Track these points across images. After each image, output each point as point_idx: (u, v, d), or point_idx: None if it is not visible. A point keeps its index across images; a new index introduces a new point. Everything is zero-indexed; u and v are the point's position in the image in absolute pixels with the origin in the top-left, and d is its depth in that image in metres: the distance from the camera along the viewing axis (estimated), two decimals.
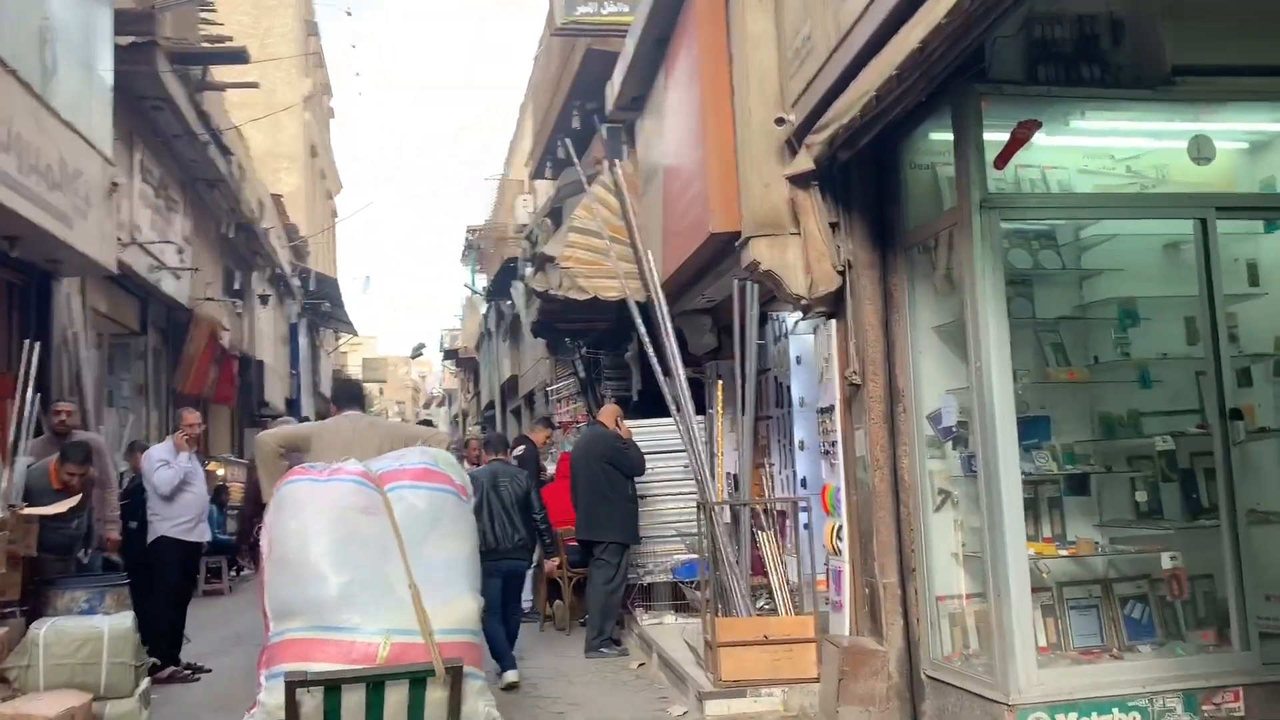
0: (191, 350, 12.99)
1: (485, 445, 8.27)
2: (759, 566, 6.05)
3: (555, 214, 14.35)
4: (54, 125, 7.32)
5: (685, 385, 5.80)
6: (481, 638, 3.64)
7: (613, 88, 8.31)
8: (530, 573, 7.95)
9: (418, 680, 3.07)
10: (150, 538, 7.23)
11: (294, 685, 3.01)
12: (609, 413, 7.78)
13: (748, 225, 5.53)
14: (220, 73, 16.19)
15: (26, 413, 5.65)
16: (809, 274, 5.46)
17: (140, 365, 11.84)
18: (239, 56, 14.38)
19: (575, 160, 7.52)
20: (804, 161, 5.31)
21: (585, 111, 11.20)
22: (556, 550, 7.36)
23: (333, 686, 3.02)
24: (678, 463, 8.42)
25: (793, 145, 5.47)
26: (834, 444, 5.63)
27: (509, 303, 20.22)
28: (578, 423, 13.19)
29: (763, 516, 6.05)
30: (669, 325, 5.73)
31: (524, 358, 21.32)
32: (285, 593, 3.29)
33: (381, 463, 3.67)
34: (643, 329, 6.08)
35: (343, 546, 3.29)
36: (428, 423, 12.97)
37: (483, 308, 26.32)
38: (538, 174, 13.91)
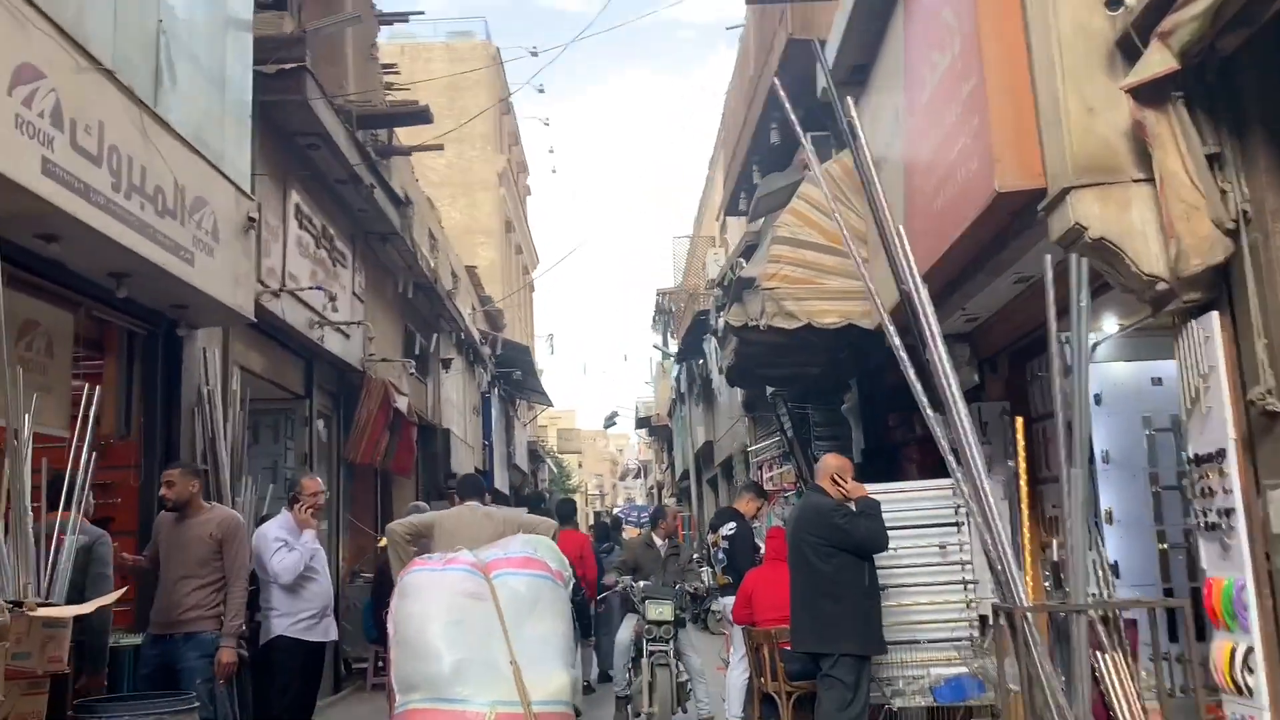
0: (363, 415, 11.97)
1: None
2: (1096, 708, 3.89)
3: (749, 252, 12.62)
4: (167, 143, 6.24)
5: (968, 423, 3.80)
6: (573, 708, 3.86)
7: (826, 59, 6.52)
8: (741, 681, 6.79)
9: None
10: (264, 637, 5.83)
11: None
12: (830, 468, 5.71)
13: (1062, 173, 3.59)
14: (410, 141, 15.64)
15: (78, 474, 4.32)
16: (1172, 239, 3.40)
17: (305, 432, 10.85)
18: (422, 116, 13.57)
19: (790, 116, 5.67)
20: (1158, 60, 3.33)
21: (786, 123, 9.45)
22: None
23: None
24: (930, 539, 6.34)
25: (1133, 42, 3.48)
26: (1225, 513, 3.49)
27: (700, 362, 18.57)
28: (784, 490, 11.22)
29: (1103, 628, 3.90)
30: (937, 334, 3.79)
31: (719, 421, 19.52)
32: (407, 668, 3.83)
33: (489, 552, 4.17)
34: (896, 339, 4.13)
35: (455, 628, 3.79)
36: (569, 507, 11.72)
37: (674, 372, 24.83)
38: (731, 207, 12.22)
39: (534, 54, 65.68)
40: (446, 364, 16.32)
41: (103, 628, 4.61)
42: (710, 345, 16.40)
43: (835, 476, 5.57)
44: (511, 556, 4.06)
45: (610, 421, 36.50)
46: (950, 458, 3.91)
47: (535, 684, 3.70)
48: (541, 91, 48.96)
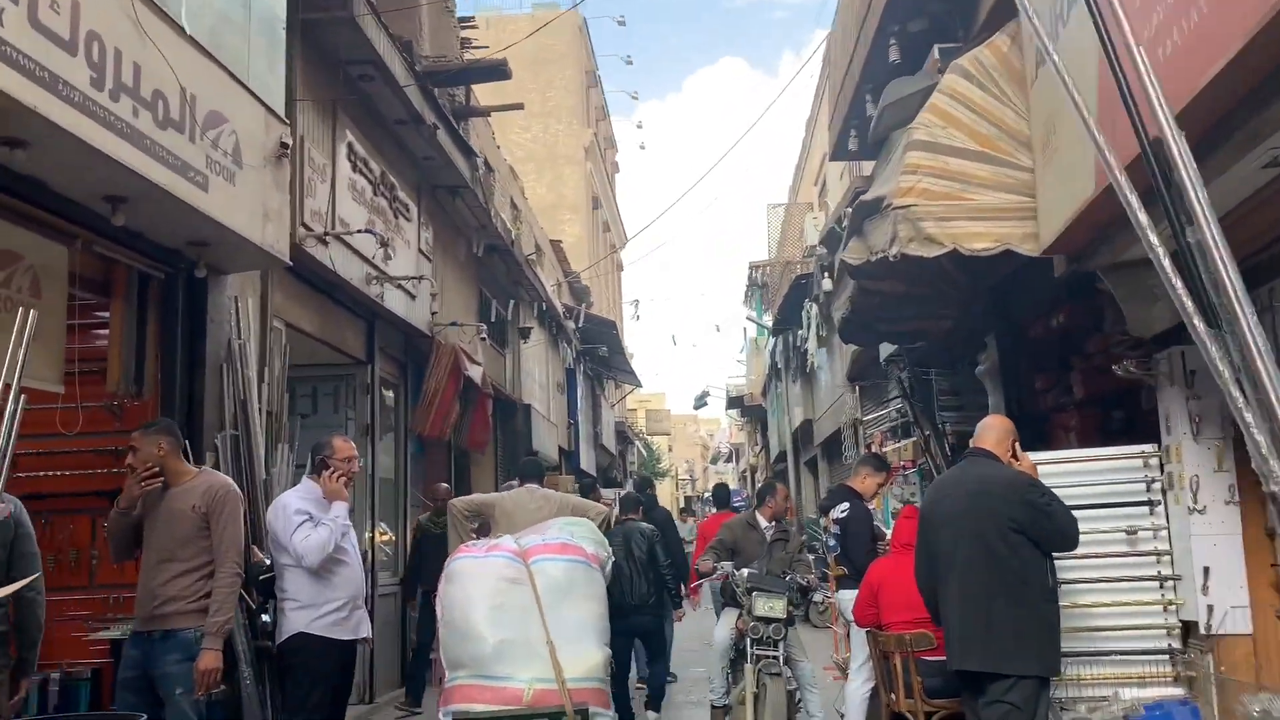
0: (432, 384, 10.98)
1: (621, 505, 8.14)
2: None
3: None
4: (170, 40, 5.21)
5: (1260, 336, 2.43)
6: (607, 684, 4.10)
7: None
8: (863, 694, 5.76)
9: (554, 718, 3.75)
10: (281, 635, 4.77)
11: None
12: (1007, 430, 4.30)
13: None
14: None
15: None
16: None
17: (366, 401, 9.88)
18: (499, 71, 12.44)
19: None
20: None
21: (908, 37, 8.02)
22: (680, 602, 7.92)
23: None
24: (1115, 523, 4.96)
25: None
26: None
27: (799, 333, 17.15)
28: (904, 468, 9.80)
29: None
30: (1203, 203, 2.43)
31: (819, 397, 18.08)
32: (454, 648, 4.18)
33: (529, 538, 4.50)
34: (1140, 215, 2.75)
35: (496, 612, 4.09)
36: (647, 484, 12.13)
37: (769, 347, 23.41)
38: (839, 150, 10.80)
39: (621, 23, 64.02)
40: (525, 333, 15.27)
41: (34, 621, 3.59)
42: (810, 314, 14.98)
43: (1013, 447, 4.19)
44: (549, 542, 4.23)
45: (701, 401, 35.16)
46: (1231, 386, 2.53)
47: (570, 662, 3.87)
48: (630, 63, 47.56)
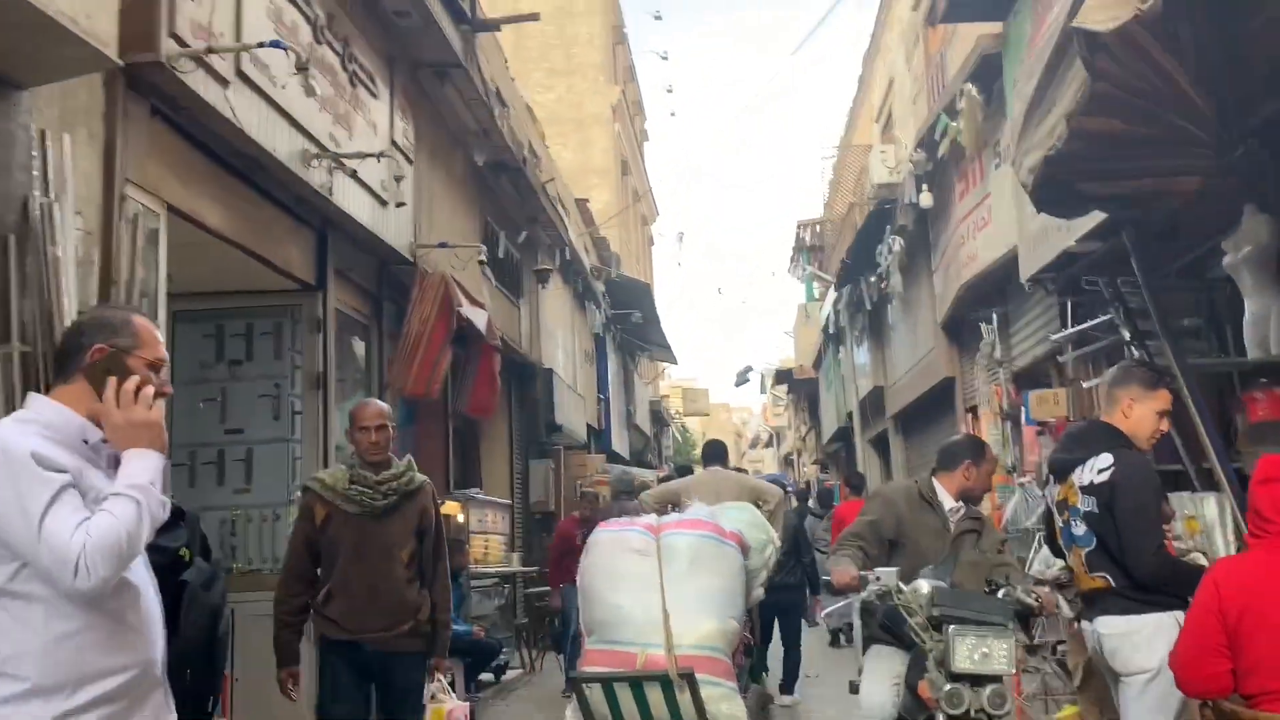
0: (415, 324, 8.26)
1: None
2: None
3: (983, 75, 8.34)
4: None
5: None
6: (725, 654, 3.97)
7: None
8: None
9: (667, 682, 3.77)
10: None
11: (578, 682, 3.98)
12: None
13: None
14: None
15: None
16: None
17: (316, 341, 7.18)
18: None
19: None
20: None
21: None
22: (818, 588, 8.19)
23: (606, 684, 3.87)
24: None
25: None
26: None
27: (873, 280, 14.28)
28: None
29: None
30: None
31: (894, 359, 15.21)
32: (587, 614, 4.21)
33: (671, 516, 4.50)
34: None
35: (622, 580, 4.10)
36: (687, 471, 10.79)
37: (826, 311, 20.52)
38: (953, 11, 7.93)
39: (658, 18, 60.59)
40: (544, 277, 12.50)
41: None
42: (890, 250, 12.12)
43: None
44: (684, 519, 4.38)
45: (743, 378, 32.25)
46: None
47: (684, 631, 3.90)
48: (659, 19, 44.62)
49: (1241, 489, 4.97)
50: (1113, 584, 3.24)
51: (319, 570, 4.31)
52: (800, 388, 28.95)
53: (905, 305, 12.94)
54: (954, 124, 8.78)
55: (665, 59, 58.41)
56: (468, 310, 8.90)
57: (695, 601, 3.93)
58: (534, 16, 13.56)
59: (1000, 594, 3.28)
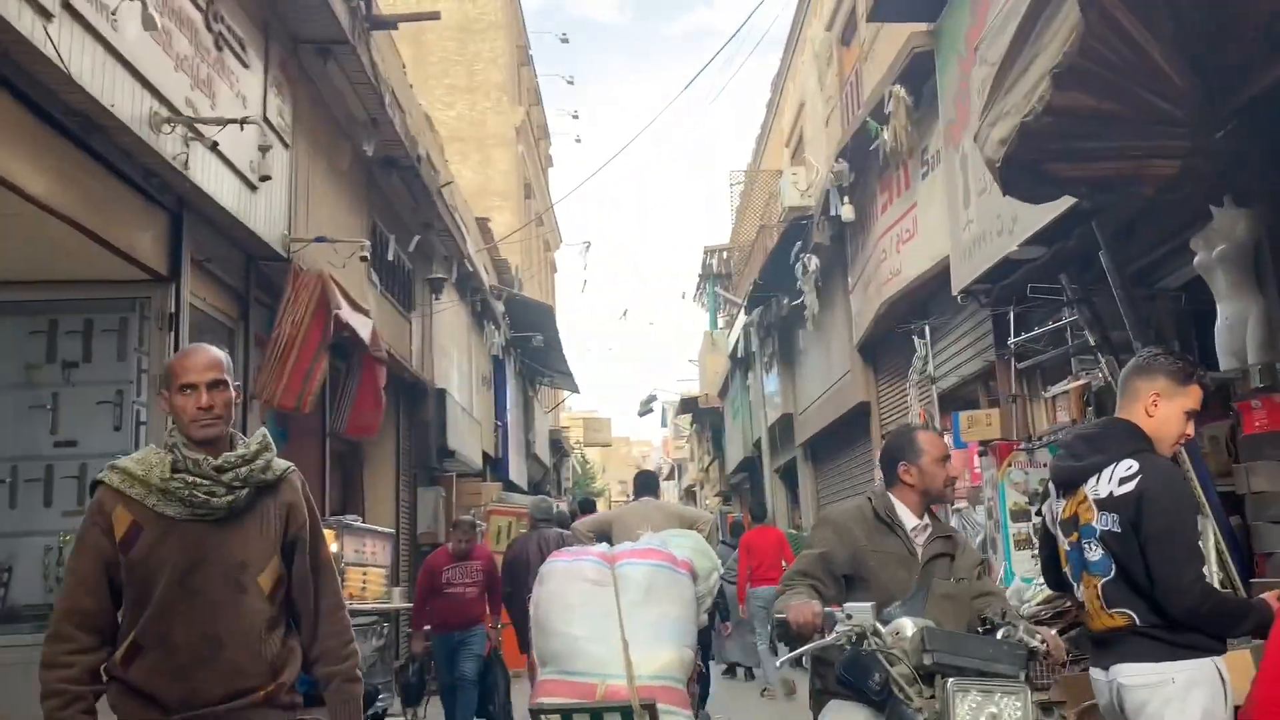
0: (286, 327, 7.31)
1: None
2: None
3: (912, 75, 7.88)
4: None
5: None
6: (682, 684, 4.06)
7: None
8: None
9: (626, 713, 3.80)
10: None
11: (536, 713, 3.97)
12: None
13: None
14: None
15: None
16: None
17: (165, 340, 6.16)
18: None
19: None
20: None
21: None
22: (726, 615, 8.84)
23: (564, 715, 3.88)
24: None
25: None
26: None
27: (787, 300, 13.80)
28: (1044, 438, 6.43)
29: None
30: None
31: (804, 386, 14.74)
32: (541, 645, 4.17)
33: (622, 545, 4.54)
34: None
35: (577, 611, 4.07)
36: (590, 506, 11.78)
37: (734, 336, 20.06)
38: (883, 8, 7.50)
39: (565, 40, 60.13)
40: (437, 287, 11.59)
41: None
42: (805, 268, 11.63)
43: None
44: (637, 548, 4.36)
45: (647, 408, 31.49)
46: None
47: (643, 661, 3.86)
48: (566, 41, 44.14)
49: (1228, 511, 4.44)
50: (1137, 622, 2.59)
51: (119, 613, 2.61)
52: (705, 417, 28.44)
53: (819, 328, 12.48)
54: (882, 128, 8.30)
55: (571, 83, 57.84)
56: (347, 314, 7.97)
57: (653, 631, 4.00)
58: (435, 15, 12.74)
59: (1000, 634, 2.59)
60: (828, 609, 2.65)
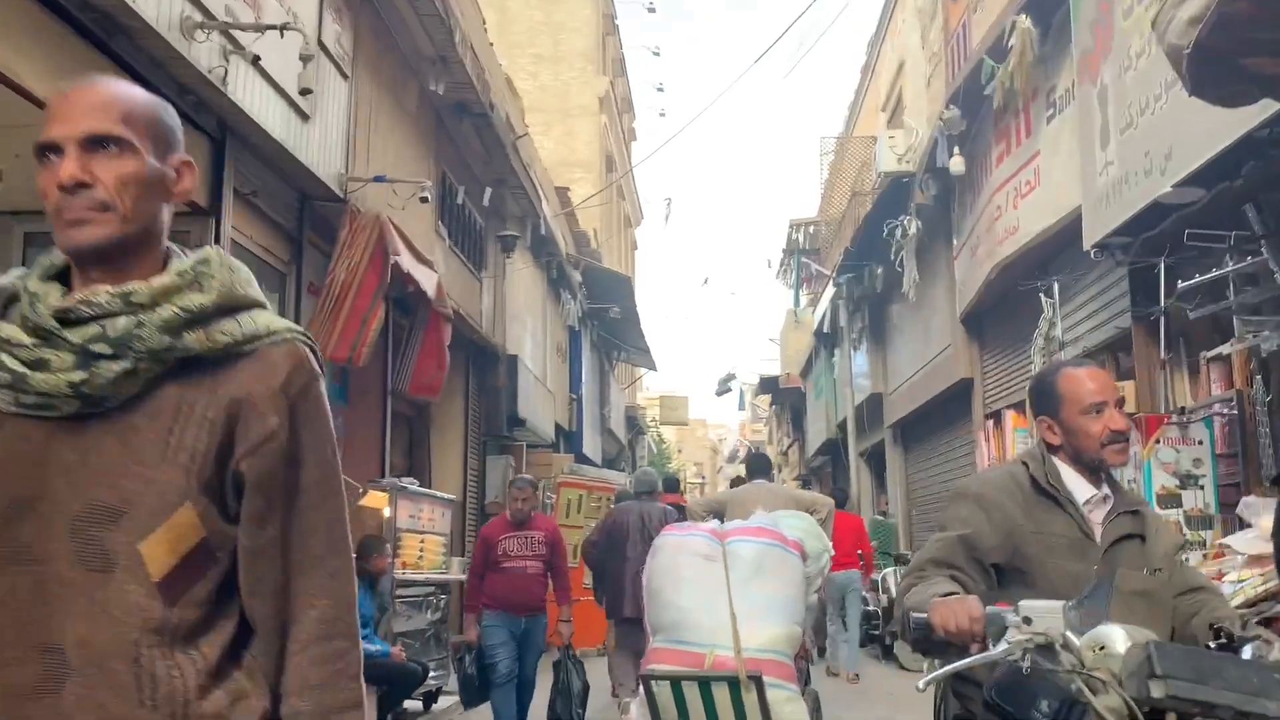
0: (340, 273, 6.75)
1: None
2: None
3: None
4: None
5: None
6: (789, 658, 4.16)
7: None
8: None
9: (734, 683, 3.90)
10: None
11: (647, 679, 4.10)
12: None
13: None
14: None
15: None
16: None
17: None
18: None
19: None
20: None
21: None
22: None
23: (674, 682, 4.01)
24: None
25: None
26: None
27: (881, 270, 12.87)
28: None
29: None
30: None
31: (899, 360, 13.77)
32: (654, 614, 4.30)
33: (735, 523, 4.64)
34: None
35: (688, 583, 4.20)
36: (674, 484, 11.39)
37: (821, 309, 19.12)
38: None
39: (651, 10, 59.34)
40: (508, 244, 10.96)
41: None
42: (905, 231, 10.69)
43: None
44: (747, 526, 4.46)
45: (725, 386, 30.61)
46: None
47: (750, 634, 3.98)
48: (653, 11, 43.07)
49: None
50: None
51: None
52: (785, 398, 27.50)
53: (916, 300, 11.53)
54: (1001, 67, 7.36)
55: (657, 55, 56.79)
56: (408, 262, 7.39)
57: (762, 606, 4.10)
58: None
59: (1247, 652, 1.80)
60: (991, 608, 1.88)
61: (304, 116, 6.21)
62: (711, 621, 4.02)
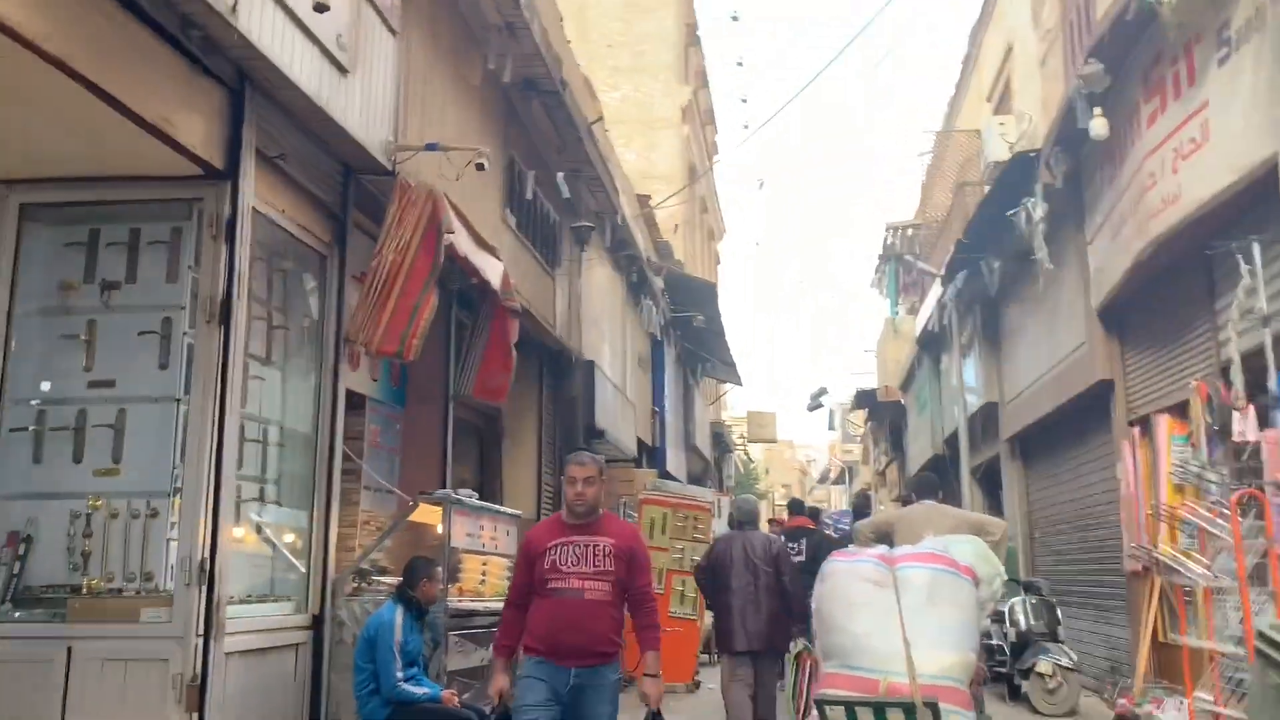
0: (388, 253, 5.87)
1: None
2: None
3: None
4: None
5: None
6: (964, 685, 4.14)
7: None
8: None
9: (909, 710, 3.89)
10: None
11: (822, 703, 4.07)
12: None
13: None
14: None
15: None
16: None
17: (217, 251, 4.77)
18: None
19: None
20: None
21: None
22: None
23: (849, 707, 3.99)
24: None
25: None
26: None
27: (1000, 264, 11.58)
28: None
29: None
30: None
31: (1018, 365, 12.41)
32: (825, 639, 4.36)
33: (904, 549, 4.58)
34: None
35: (859, 609, 4.25)
36: (799, 507, 10.46)
37: (926, 313, 17.78)
38: None
39: (735, 19, 58.60)
40: (583, 235, 10.03)
41: None
42: (1032, 215, 9.41)
43: None
44: (919, 552, 4.44)
45: (817, 401, 29.22)
46: None
47: (925, 661, 3.95)
48: (736, 19, 42.11)
49: None
50: None
51: None
52: (883, 413, 25.98)
53: (1040, 294, 10.22)
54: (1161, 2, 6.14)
55: (741, 66, 55.42)
56: (467, 246, 6.50)
57: (936, 633, 4.09)
58: None
59: None
60: None
61: (342, 70, 5.37)
62: (885, 647, 4.04)
